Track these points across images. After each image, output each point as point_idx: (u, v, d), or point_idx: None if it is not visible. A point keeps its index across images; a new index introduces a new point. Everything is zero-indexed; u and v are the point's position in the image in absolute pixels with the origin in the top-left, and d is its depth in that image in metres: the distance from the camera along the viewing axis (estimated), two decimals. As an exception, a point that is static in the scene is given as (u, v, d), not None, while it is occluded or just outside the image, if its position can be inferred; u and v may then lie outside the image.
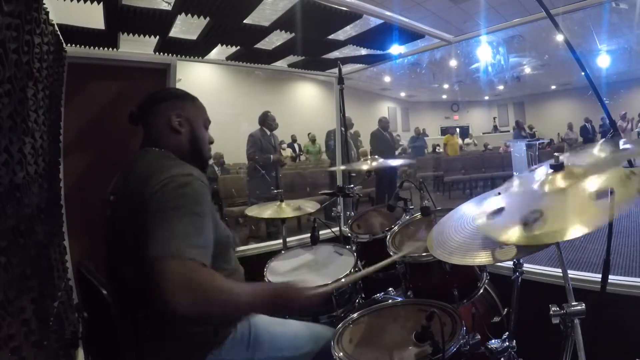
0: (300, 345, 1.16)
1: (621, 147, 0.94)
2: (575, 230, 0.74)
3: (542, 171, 0.98)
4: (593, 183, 0.83)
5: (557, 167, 0.93)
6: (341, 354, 1.03)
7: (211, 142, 1.22)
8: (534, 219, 0.83)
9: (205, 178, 1.01)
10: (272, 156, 4.58)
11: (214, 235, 0.95)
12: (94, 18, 1.59)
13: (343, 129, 2.71)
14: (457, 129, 13.94)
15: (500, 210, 0.97)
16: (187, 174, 0.95)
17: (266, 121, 4.61)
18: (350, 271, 1.61)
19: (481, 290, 1.33)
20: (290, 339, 1.17)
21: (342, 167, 2.72)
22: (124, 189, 1.02)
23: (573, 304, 0.84)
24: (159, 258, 0.80)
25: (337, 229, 2.37)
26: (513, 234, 0.85)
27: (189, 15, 1.61)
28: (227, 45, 2.04)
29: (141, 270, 0.93)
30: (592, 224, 0.74)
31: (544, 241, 0.79)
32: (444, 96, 15.09)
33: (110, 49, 1.94)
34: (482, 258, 0.95)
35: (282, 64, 2.53)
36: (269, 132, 4.63)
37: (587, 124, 10.38)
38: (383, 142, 5.93)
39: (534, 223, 0.82)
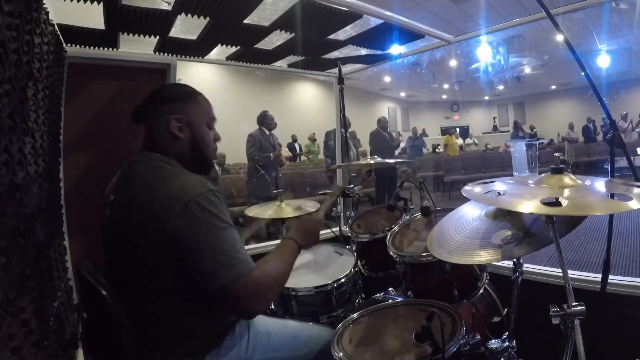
0: (299, 347, 1.16)
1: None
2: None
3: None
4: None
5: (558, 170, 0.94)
6: (341, 354, 1.04)
7: (218, 140, 1.17)
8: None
9: (212, 183, 1.00)
10: (271, 154, 4.58)
11: None
12: (94, 18, 1.59)
13: (343, 129, 2.71)
14: (457, 129, 13.96)
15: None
16: (206, 190, 0.94)
17: (265, 121, 4.61)
18: (350, 271, 1.61)
19: (481, 290, 1.32)
20: (289, 339, 1.17)
21: (336, 165, 2.71)
22: (126, 195, 1.00)
23: (573, 304, 0.84)
24: (226, 285, 0.89)
25: (337, 229, 2.37)
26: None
27: (189, 15, 1.61)
28: (227, 45, 2.04)
29: (141, 273, 0.94)
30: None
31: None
32: (444, 96, 15.10)
33: (110, 49, 1.94)
34: (481, 257, 0.96)
35: (282, 64, 2.53)
36: (267, 132, 4.63)
37: (589, 124, 10.39)
38: (382, 142, 5.94)
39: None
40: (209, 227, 0.91)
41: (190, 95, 1.10)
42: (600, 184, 0.91)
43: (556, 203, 0.81)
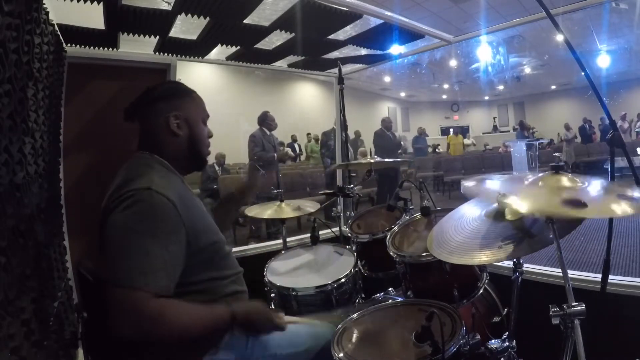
0: (299, 343, 1.16)
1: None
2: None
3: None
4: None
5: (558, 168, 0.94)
6: (341, 354, 1.03)
7: (210, 136, 1.18)
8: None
9: (172, 188, 0.96)
10: (275, 154, 4.59)
11: (194, 245, 0.96)
12: (94, 18, 1.59)
13: (343, 131, 2.71)
14: (451, 130, 13.94)
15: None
16: (145, 187, 0.90)
17: (266, 121, 4.64)
18: (350, 271, 1.61)
19: (481, 290, 1.32)
20: (289, 336, 1.17)
21: (336, 165, 2.71)
22: (105, 198, 1.00)
23: (573, 304, 0.84)
24: (109, 283, 0.82)
25: (337, 229, 2.37)
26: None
27: (189, 15, 1.61)
28: (227, 45, 2.04)
29: None
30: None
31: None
32: (444, 96, 15.09)
33: (110, 49, 1.94)
34: (481, 258, 0.96)
35: (282, 64, 2.53)
36: (268, 132, 4.66)
37: (585, 124, 10.39)
38: (386, 142, 5.95)
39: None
40: (130, 228, 0.86)
41: (186, 92, 1.12)
42: (597, 185, 0.90)
43: (582, 204, 0.78)
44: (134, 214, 0.88)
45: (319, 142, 9.01)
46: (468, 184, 1.04)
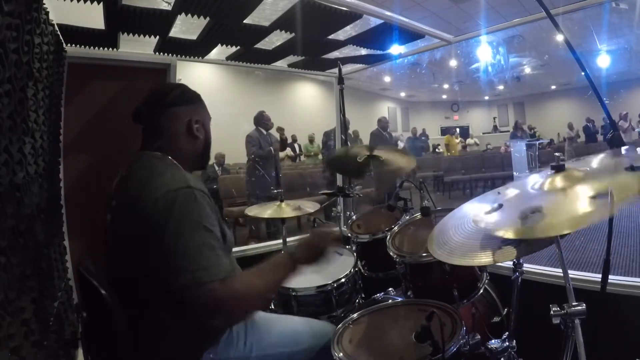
0: (299, 341, 1.16)
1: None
2: (573, 225, 0.75)
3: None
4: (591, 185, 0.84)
5: (558, 168, 0.93)
6: (341, 354, 1.03)
7: None
8: (533, 212, 0.84)
9: (202, 182, 1.01)
10: (271, 148, 4.62)
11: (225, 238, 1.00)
12: (94, 18, 1.59)
13: (343, 132, 2.71)
14: (457, 129, 13.94)
15: (499, 207, 0.97)
16: (186, 186, 0.93)
17: (261, 121, 4.69)
18: (350, 271, 1.61)
19: (481, 290, 1.32)
20: (289, 335, 1.17)
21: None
22: (125, 197, 1.00)
23: (573, 304, 0.84)
24: (185, 287, 0.84)
25: (337, 229, 2.37)
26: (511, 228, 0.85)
27: (189, 15, 1.61)
28: (227, 45, 2.04)
29: (142, 275, 0.94)
30: (588, 220, 0.75)
31: (544, 234, 0.79)
32: (444, 96, 15.08)
33: (110, 49, 1.94)
34: (481, 258, 0.95)
35: (282, 64, 2.53)
36: (265, 132, 4.69)
37: (588, 124, 10.39)
38: (382, 142, 5.95)
39: (531, 216, 0.84)
40: (175, 224, 0.88)
41: (198, 97, 1.17)
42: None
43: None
44: (183, 213, 0.90)
45: (313, 142, 9.03)
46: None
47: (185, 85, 1.17)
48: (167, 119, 1.08)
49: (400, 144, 9.97)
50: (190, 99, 1.14)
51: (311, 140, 9.25)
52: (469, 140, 13.37)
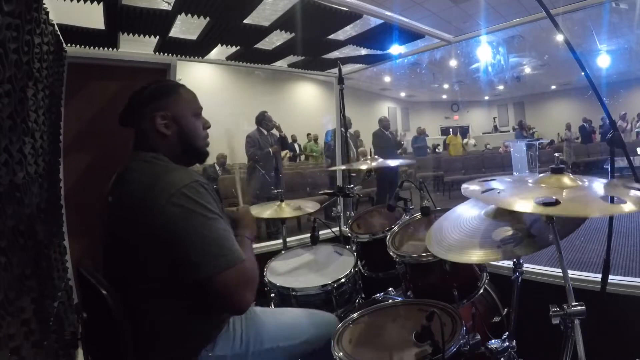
0: (299, 334, 1.16)
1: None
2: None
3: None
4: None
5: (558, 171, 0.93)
6: (341, 353, 1.04)
7: (207, 127, 1.16)
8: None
9: (201, 176, 1.02)
10: (270, 149, 4.60)
11: None
12: (94, 18, 1.59)
13: (343, 129, 2.71)
14: (453, 130, 13.93)
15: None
16: (193, 180, 0.95)
17: (263, 121, 4.65)
18: (350, 271, 1.61)
19: (481, 290, 1.33)
20: (288, 328, 1.17)
21: (342, 167, 2.72)
22: (123, 194, 1.00)
23: (573, 304, 0.84)
24: (215, 275, 0.90)
25: (337, 229, 2.37)
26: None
27: (189, 15, 1.61)
28: (227, 45, 2.04)
29: (136, 272, 0.95)
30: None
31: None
32: (444, 96, 15.08)
33: (110, 49, 1.94)
34: (480, 257, 0.95)
35: (282, 64, 2.53)
36: (265, 132, 4.66)
37: (585, 124, 10.39)
38: (385, 142, 5.94)
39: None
40: (196, 216, 0.91)
41: (171, 89, 1.10)
42: (599, 185, 0.90)
43: (555, 203, 0.80)
44: (199, 205, 0.93)
45: (317, 141, 9.03)
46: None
47: (161, 79, 1.16)
48: (139, 120, 1.07)
49: (404, 143, 9.95)
50: (160, 93, 1.08)
51: (315, 139, 9.25)
52: (466, 140, 13.37)
